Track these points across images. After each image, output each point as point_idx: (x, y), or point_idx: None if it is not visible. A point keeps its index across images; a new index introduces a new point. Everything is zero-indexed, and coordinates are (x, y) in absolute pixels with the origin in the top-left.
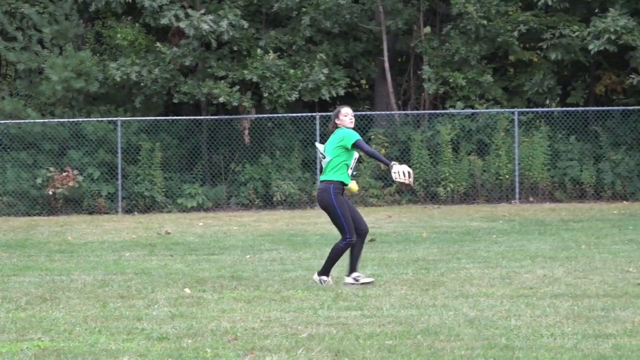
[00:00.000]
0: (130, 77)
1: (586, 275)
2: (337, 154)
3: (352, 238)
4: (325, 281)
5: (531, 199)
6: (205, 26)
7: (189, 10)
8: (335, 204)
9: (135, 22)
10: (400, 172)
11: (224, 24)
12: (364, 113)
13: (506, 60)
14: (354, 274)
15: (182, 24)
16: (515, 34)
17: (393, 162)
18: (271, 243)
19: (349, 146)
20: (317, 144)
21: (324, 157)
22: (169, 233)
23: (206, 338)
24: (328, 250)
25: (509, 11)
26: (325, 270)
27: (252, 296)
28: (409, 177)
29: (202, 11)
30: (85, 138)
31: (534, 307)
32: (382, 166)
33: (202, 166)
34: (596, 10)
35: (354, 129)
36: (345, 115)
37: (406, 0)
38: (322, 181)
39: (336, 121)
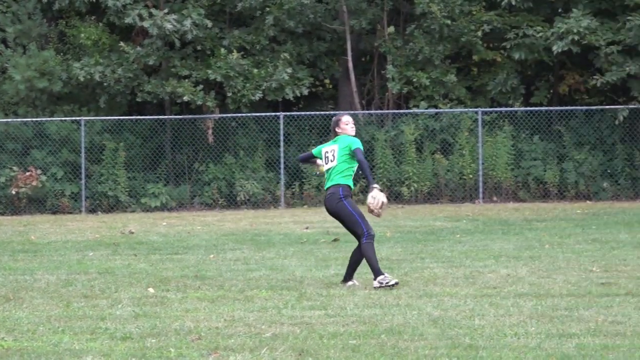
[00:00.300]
0: (93, 76)
1: (550, 275)
2: (344, 159)
3: (370, 231)
4: (387, 280)
5: (495, 198)
6: (168, 25)
7: (153, 10)
8: (346, 203)
9: (99, 21)
10: (377, 199)
11: (188, 23)
12: (327, 113)
13: (470, 60)
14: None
15: (145, 24)
16: (479, 33)
17: (375, 186)
18: (235, 242)
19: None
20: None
21: (326, 164)
22: (132, 233)
23: (170, 338)
24: (291, 249)
25: (473, 11)
26: (375, 273)
27: (216, 296)
28: (381, 208)
29: (166, 10)
30: (49, 138)
31: (497, 307)
32: (364, 180)
33: (165, 166)
34: (559, 10)
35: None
36: (347, 124)
37: (370, 0)
38: (330, 187)
39: (337, 130)
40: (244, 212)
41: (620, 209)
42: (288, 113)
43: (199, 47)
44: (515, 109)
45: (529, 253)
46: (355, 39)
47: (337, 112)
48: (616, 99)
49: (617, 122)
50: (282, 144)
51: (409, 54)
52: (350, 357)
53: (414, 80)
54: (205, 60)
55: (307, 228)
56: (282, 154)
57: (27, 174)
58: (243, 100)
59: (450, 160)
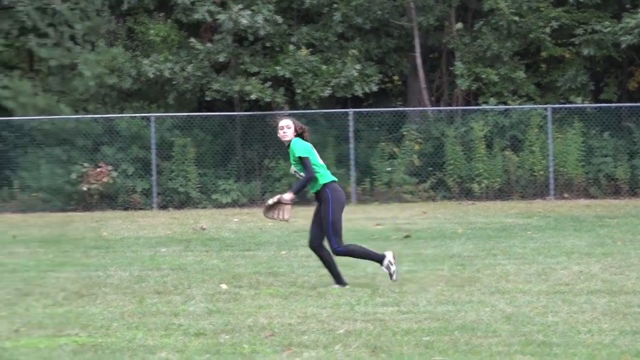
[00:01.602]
0: (163, 73)
1: (622, 272)
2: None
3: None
4: (390, 266)
5: (566, 195)
6: (243, 21)
7: (229, 3)
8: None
9: (167, 18)
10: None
11: (260, 19)
12: (397, 109)
13: (538, 56)
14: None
15: (221, 17)
16: (547, 30)
17: (286, 195)
18: (306, 239)
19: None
20: None
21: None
22: (204, 229)
23: (243, 334)
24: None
25: (541, 7)
26: (378, 260)
27: (289, 292)
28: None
29: (240, 6)
30: (119, 134)
31: (570, 304)
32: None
33: (236, 162)
34: (627, 6)
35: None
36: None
37: None
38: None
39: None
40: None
41: None
42: (357, 109)
43: (268, 44)
44: (585, 105)
45: (601, 250)
46: (423, 35)
47: (406, 108)
48: None
49: None
50: (352, 140)
51: (477, 51)
52: (424, 353)
53: (483, 76)
54: (274, 57)
55: (378, 225)
56: (352, 151)
57: (98, 170)
58: (312, 97)
59: (521, 157)
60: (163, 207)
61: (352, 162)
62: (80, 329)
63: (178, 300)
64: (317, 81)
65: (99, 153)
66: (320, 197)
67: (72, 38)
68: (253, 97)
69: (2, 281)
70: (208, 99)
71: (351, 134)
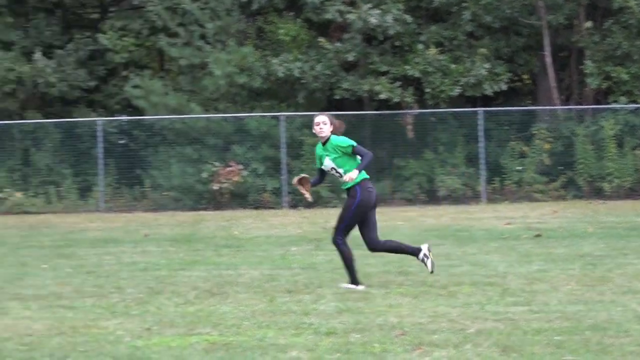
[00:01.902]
0: (292, 73)
1: None
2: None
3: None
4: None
5: None
6: (373, 20)
7: (358, 2)
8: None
9: (297, 17)
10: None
11: (389, 18)
12: (527, 108)
13: None
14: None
15: (350, 16)
16: None
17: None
18: (437, 238)
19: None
20: None
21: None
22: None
23: (374, 333)
24: (493, 245)
25: None
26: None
27: (419, 291)
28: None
29: (370, 5)
30: (249, 133)
31: None
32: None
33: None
34: None
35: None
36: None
37: None
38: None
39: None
40: (444, 208)
41: None
42: (487, 109)
43: (397, 43)
44: None
45: None
46: (552, 34)
47: (536, 107)
48: None
49: None
50: (482, 139)
51: (607, 49)
52: (555, 353)
53: (613, 75)
54: (403, 56)
55: (508, 223)
56: (482, 150)
57: (229, 169)
58: (442, 96)
59: None
60: (293, 206)
61: (482, 161)
62: (212, 327)
63: (308, 299)
64: (446, 80)
65: (229, 152)
66: (350, 193)
67: (203, 37)
68: (382, 96)
69: (134, 279)
70: (337, 97)
71: (481, 133)
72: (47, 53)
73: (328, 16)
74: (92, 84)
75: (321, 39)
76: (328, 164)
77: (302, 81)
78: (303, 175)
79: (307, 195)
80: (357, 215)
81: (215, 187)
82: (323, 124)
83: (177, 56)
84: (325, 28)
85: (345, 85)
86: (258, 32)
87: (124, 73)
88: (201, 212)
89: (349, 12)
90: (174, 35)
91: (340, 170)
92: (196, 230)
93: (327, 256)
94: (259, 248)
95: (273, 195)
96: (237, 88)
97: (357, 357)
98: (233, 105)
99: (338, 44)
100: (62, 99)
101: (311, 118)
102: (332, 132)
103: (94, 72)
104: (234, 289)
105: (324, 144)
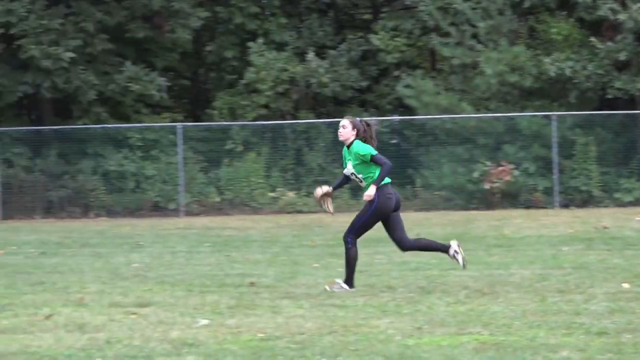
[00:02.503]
0: (564, 72)
1: None
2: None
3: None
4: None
5: None
6: None
7: (628, 2)
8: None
9: (569, 16)
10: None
11: None
12: None
13: None
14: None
15: (621, 16)
16: None
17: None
18: None
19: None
20: None
21: None
22: (606, 228)
23: None
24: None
25: None
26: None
27: None
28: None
29: (639, 5)
30: (520, 133)
31: None
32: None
33: (637, 161)
34: None
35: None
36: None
37: None
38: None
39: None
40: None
41: None
42: None
43: None
44: None
45: None
46: None
47: None
48: None
49: None
50: None
51: None
52: None
53: None
54: None
55: None
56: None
57: (500, 168)
58: None
59: None
60: (565, 205)
61: None
62: (482, 327)
63: (579, 299)
64: None
65: (500, 151)
66: None
67: (474, 37)
68: None
69: (405, 279)
70: (609, 97)
71: None
72: (320, 53)
73: (600, 13)
74: (364, 84)
75: (593, 39)
76: (349, 168)
77: (574, 80)
78: (327, 188)
79: (330, 209)
80: (372, 220)
81: (487, 186)
82: (342, 127)
83: (449, 56)
84: (597, 27)
85: (617, 84)
86: (530, 31)
87: (396, 73)
88: (472, 212)
89: (620, 12)
90: (446, 35)
91: (360, 176)
92: (467, 229)
93: (599, 256)
94: (530, 248)
95: (544, 195)
96: (508, 87)
97: (629, 358)
98: (504, 105)
99: (610, 44)
100: (334, 99)
101: (583, 117)
102: (357, 137)
103: (366, 72)
104: (504, 289)
105: (348, 147)
